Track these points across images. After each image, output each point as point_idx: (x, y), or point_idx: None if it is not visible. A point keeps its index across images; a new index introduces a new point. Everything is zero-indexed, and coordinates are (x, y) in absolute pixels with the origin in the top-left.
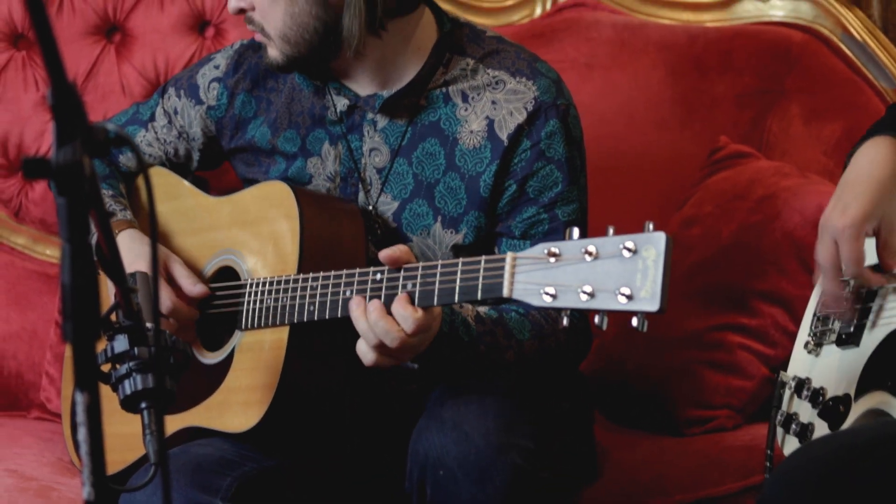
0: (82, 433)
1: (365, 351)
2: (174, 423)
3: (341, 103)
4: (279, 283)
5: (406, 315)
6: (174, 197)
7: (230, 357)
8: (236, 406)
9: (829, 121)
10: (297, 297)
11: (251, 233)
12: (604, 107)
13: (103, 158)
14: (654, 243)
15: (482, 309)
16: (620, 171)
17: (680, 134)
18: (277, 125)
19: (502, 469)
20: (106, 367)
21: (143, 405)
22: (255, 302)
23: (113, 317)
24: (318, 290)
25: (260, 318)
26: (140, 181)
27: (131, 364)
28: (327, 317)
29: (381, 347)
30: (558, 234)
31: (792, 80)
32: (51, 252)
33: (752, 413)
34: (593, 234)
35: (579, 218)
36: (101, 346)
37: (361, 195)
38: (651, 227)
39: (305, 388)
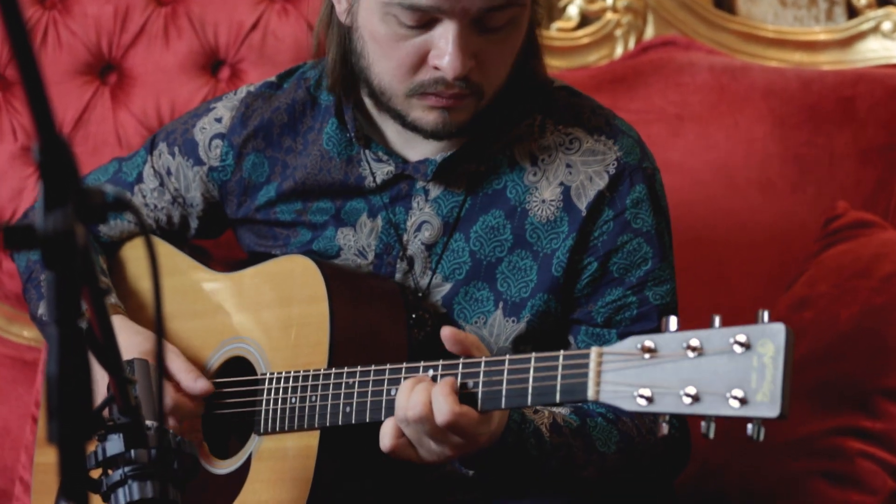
0: None
1: (386, 430)
2: None
3: (382, 171)
4: (306, 378)
5: (443, 404)
6: (170, 273)
7: (246, 466)
8: None
9: None
10: (330, 397)
11: (268, 317)
12: (698, 165)
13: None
14: (771, 337)
15: (562, 412)
16: (717, 242)
17: (790, 198)
18: (305, 194)
19: None
20: (96, 473)
21: None
22: (276, 401)
23: (105, 412)
24: (356, 389)
25: (283, 420)
26: (126, 252)
27: (127, 469)
28: (368, 420)
29: (405, 427)
30: (650, 320)
31: None
32: (29, 334)
33: None
34: (686, 322)
35: (672, 301)
36: (91, 447)
37: (399, 276)
38: (766, 316)
39: None
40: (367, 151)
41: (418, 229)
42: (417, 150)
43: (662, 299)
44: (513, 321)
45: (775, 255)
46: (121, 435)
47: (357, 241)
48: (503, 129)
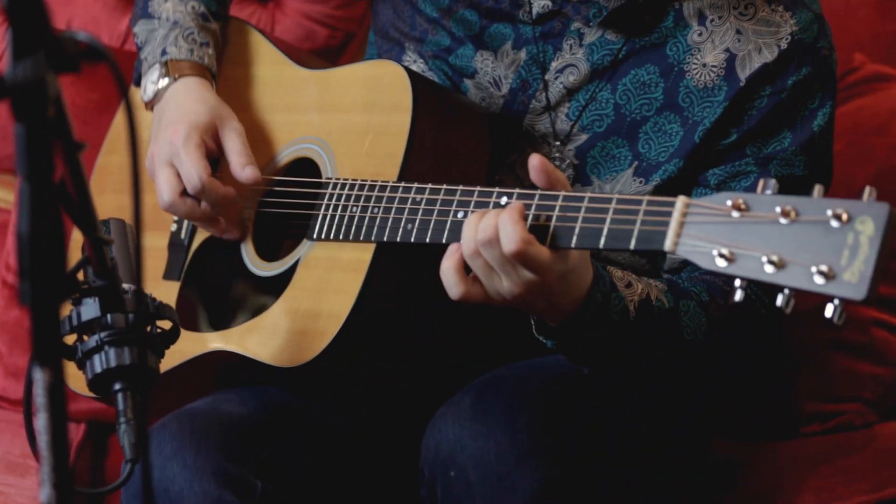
0: (41, 420)
1: (451, 278)
2: (203, 341)
3: (540, 4)
4: (372, 188)
5: (510, 231)
6: (252, 62)
7: (290, 272)
8: (289, 335)
9: None
10: (394, 210)
11: (346, 121)
12: None
13: None
14: (873, 216)
15: (658, 287)
16: None
17: None
18: None
19: (526, 478)
20: (70, 339)
21: (118, 387)
22: (335, 208)
23: (80, 275)
24: (423, 206)
25: (339, 228)
26: (231, 35)
27: (103, 335)
28: (428, 240)
29: (472, 261)
30: None
31: None
32: None
33: (889, 408)
34: None
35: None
36: (65, 311)
37: (530, 116)
38: (872, 193)
39: (381, 329)
40: None
41: (561, 71)
42: None
43: (782, 174)
44: (640, 182)
45: None
46: (96, 299)
47: (494, 70)
48: None
